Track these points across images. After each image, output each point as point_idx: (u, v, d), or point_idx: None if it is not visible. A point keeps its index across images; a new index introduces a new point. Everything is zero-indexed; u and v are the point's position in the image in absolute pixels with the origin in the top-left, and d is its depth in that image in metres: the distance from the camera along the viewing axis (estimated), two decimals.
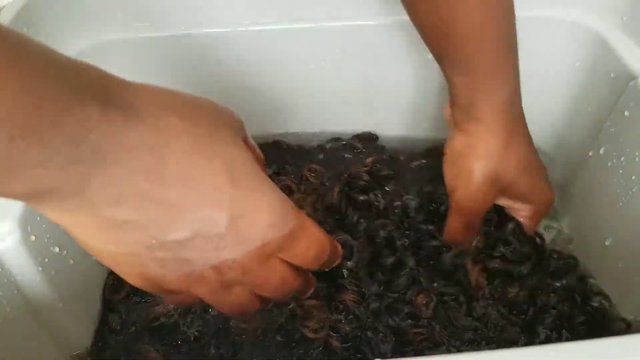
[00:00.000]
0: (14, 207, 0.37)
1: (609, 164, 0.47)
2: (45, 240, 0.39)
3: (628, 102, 0.45)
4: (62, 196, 0.22)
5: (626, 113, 0.45)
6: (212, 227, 0.25)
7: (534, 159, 0.42)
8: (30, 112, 0.19)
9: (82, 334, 0.43)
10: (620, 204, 0.45)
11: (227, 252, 0.26)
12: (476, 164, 0.40)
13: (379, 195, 0.50)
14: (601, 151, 0.48)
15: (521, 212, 0.45)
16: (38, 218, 0.39)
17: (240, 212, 0.26)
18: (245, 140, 0.29)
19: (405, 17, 0.40)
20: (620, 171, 0.45)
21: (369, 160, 0.55)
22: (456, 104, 0.41)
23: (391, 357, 0.41)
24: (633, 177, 0.43)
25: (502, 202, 0.44)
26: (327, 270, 0.32)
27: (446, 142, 0.43)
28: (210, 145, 0.25)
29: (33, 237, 0.38)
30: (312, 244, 0.29)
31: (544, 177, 0.43)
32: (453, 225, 0.43)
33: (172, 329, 0.43)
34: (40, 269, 0.38)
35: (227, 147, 0.26)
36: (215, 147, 0.25)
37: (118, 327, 0.45)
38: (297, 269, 0.30)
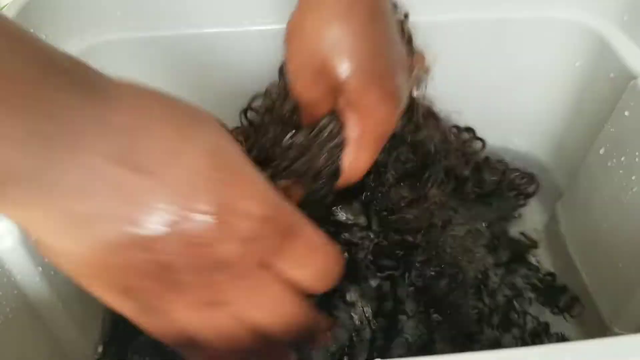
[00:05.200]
0: None
1: (609, 164, 0.47)
2: None
3: (628, 102, 0.45)
4: (20, 181, 0.19)
5: (626, 113, 0.45)
6: (193, 219, 0.22)
7: (379, 59, 0.32)
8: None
9: (83, 337, 0.43)
10: (620, 204, 0.45)
11: (210, 250, 0.22)
12: (296, 43, 0.33)
13: None
14: (601, 151, 0.48)
15: (350, 132, 0.33)
16: None
17: (226, 200, 0.22)
18: None
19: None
20: (621, 171, 0.45)
21: None
22: None
23: None
24: (633, 177, 0.43)
25: (341, 113, 0.34)
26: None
27: None
28: (192, 129, 0.23)
29: (33, 237, 0.38)
30: (313, 251, 0.25)
31: (389, 83, 0.32)
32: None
33: None
34: (40, 269, 0.38)
35: (212, 133, 0.23)
36: (199, 132, 0.23)
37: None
38: (299, 294, 0.26)
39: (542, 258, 0.54)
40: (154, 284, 0.23)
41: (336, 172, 0.35)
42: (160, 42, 0.54)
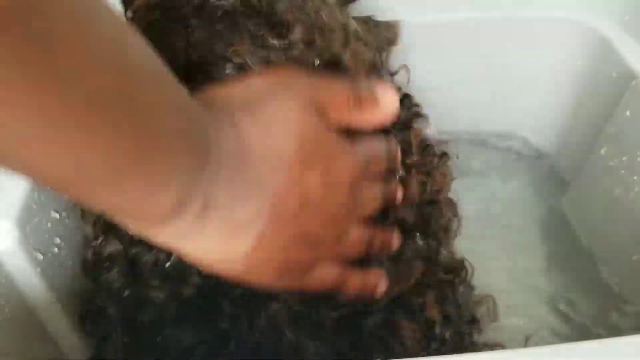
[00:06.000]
0: (12, 207, 0.37)
1: (611, 164, 0.47)
2: (44, 241, 0.39)
3: (630, 102, 0.45)
4: (192, 208, 0.22)
5: (628, 113, 0.45)
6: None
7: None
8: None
9: (81, 339, 0.43)
10: (622, 204, 0.45)
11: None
12: None
13: None
14: (603, 151, 0.48)
15: None
16: (37, 218, 0.38)
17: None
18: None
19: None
20: (622, 171, 0.45)
21: None
22: None
23: None
24: (635, 177, 0.43)
25: None
26: None
27: None
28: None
29: (31, 238, 0.38)
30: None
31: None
32: None
33: None
34: (39, 269, 0.38)
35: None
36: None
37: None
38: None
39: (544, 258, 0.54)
40: (306, 252, 0.26)
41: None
42: None
